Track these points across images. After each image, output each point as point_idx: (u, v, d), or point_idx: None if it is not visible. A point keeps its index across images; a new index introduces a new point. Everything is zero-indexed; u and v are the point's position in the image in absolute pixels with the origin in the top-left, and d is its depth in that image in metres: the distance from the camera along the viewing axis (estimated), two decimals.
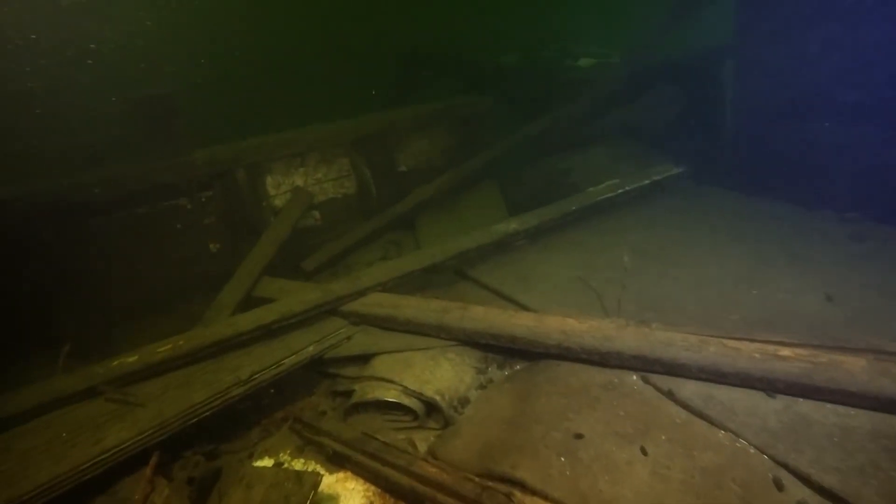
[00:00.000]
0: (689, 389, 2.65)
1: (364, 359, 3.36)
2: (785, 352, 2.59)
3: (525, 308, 3.58)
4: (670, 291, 3.54)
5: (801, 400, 2.47)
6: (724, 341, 2.75)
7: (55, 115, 4.23)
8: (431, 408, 2.96)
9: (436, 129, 5.81)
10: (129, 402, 2.82)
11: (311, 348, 3.36)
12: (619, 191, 4.77)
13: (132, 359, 3.12)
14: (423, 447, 2.81)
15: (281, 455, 2.95)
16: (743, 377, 2.56)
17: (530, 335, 3.06)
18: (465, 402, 3.01)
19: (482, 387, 3.12)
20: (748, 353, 2.63)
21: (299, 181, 5.03)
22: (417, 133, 5.65)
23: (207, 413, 2.86)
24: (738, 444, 2.34)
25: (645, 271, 3.80)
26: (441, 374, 3.10)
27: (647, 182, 4.92)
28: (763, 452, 2.27)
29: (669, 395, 2.66)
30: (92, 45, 4.46)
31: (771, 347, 2.64)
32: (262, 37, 6.02)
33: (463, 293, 3.94)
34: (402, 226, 5.36)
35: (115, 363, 3.09)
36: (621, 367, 2.86)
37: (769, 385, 2.51)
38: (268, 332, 3.45)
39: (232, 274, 4.30)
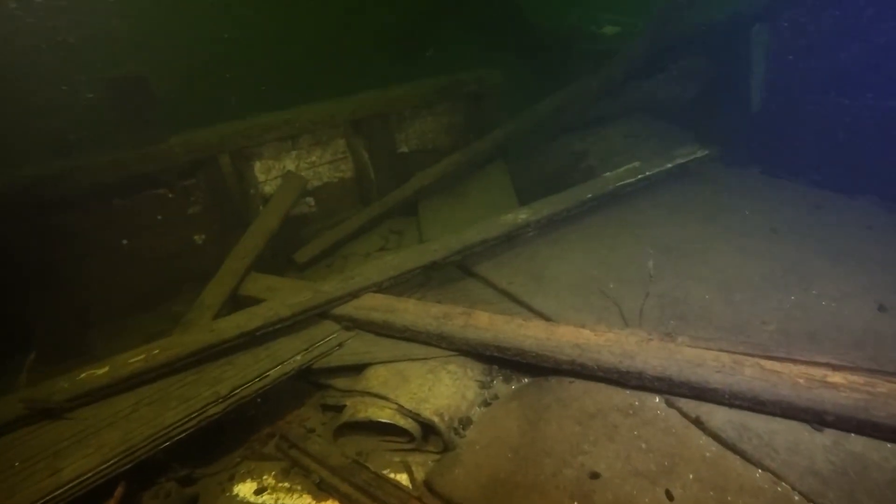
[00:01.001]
0: (721, 417, 2.35)
1: (357, 368, 3.10)
2: (835, 378, 2.26)
3: (535, 312, 3.28)
4: (697, 295, 3.20)
5: (854, 436, 2.16)
6: (762, 362, 2.43)
7: (17, 99, 3.87)
8: (430, 429, 2.68)
9: (440, 107, 5.40)
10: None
11: (298, 357, 3.09)
12: (639, 176, 4.38)
13: (101, 371, 2.86)
14: (419, 473, 2.56)
15: (265, 478, 2.70)
16: (784, 406, 2.24)
17: (541, 349, 2.75)
18: (466, 422, 2.73)
19: (486, 404, 2.84)
20: (791, 378, 2.30)
21: (291, 165, 4.70)
22: (421, 111, 5.25)
23: (182, 435, 2.61)
24: (779, 489, 2.04)
25: (668, 270, 3.45)
26: (441, 389, 2.82)
27: (669, 166, 4.52)
28: (811, 501, 1.96)
29: (698, 423, 2.36)
30: (56, 22, 4.03)
31: (818, 372, 2.31)
32: (246, 7, 5.50)
33: (467, 292, 3.64)
34: (404, 211, 5.04)
35: (83, 376, 2.83)
36: (643, 388, 2.55)
37: (816, 417, 2.19)
38: (252, 339, 3.17)
39: (219, 267, 4.04)
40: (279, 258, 4.50)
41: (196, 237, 4.29)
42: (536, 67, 6.68)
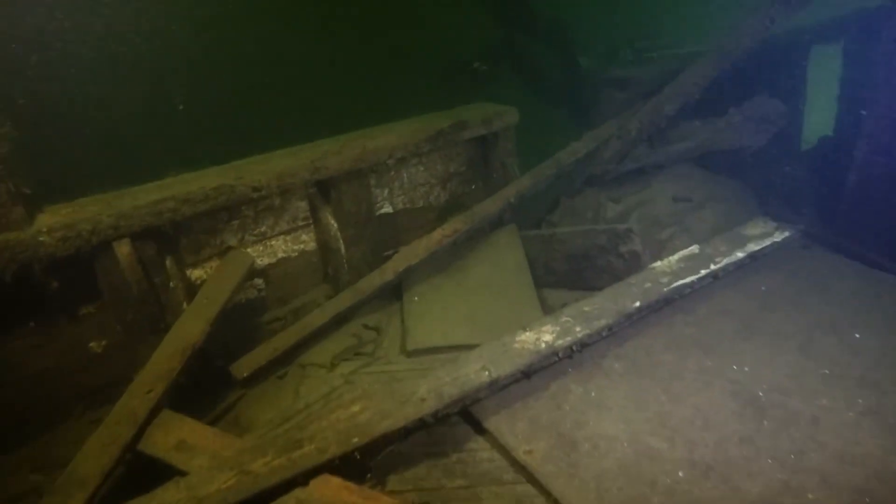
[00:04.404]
0: None
1: None
2: None
3: None
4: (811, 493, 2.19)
5: None
6: None
7: None
8: None
9: (437, 154, 4.34)
10: None
11: None
12: (703, 272, 3.39)
13: None
14: None
15: None
16: None
17: None
18: None
19: None
20: None
21: (232, 239, 3.63)
22: (409, 159, 4.18)
23: None
24: None
25: (765, 449, 2.45)
26: None
27: (741, 256, 3.52)
28: None
29: None
30: None
31: None
32: (159, 6, 3.77)
33: (466, 461, 2.63)
34: (386, 294, 4.01)
35: None
36: None
37: None
38: None
39: (129, 379, 3.01)
40: (213, 364, 3.46)
41: (93, 344, 3.23)
42: (571, 106, 5.88)
